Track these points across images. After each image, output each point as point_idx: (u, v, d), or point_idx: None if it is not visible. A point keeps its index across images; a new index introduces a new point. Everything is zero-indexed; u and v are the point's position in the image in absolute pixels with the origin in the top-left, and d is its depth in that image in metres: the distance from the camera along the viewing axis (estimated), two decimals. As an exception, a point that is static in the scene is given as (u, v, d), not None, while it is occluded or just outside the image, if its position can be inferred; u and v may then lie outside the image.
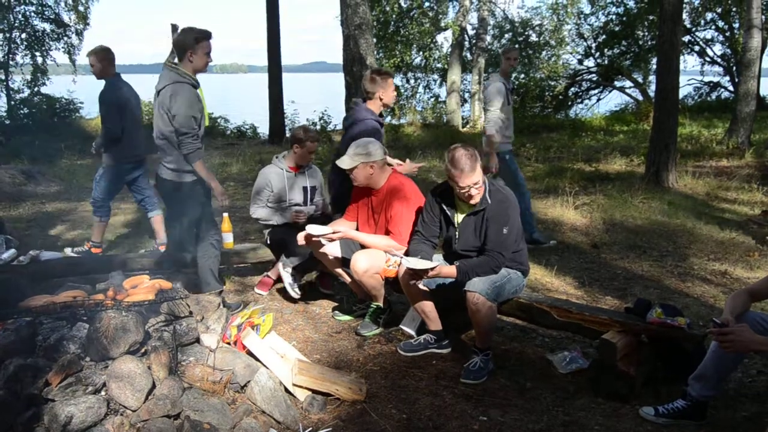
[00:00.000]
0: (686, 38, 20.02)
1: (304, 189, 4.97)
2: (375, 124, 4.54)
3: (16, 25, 17.10)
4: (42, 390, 2.73)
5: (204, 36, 4.06)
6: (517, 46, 20.96)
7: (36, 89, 17.02)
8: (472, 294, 3.46)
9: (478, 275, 3.54)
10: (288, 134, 15.86)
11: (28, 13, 17.37)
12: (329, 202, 5.06)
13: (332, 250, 4.28)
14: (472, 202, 3.59)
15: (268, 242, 4.96)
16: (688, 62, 21.73)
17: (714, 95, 22.29)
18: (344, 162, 4.04)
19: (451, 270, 3.62)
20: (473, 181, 3.48)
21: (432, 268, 3.54)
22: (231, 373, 3.14)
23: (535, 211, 7.63)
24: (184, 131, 4.00)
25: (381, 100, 4.63)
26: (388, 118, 20.51)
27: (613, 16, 21.13)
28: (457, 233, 3.72)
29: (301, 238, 4.19)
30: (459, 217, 3.72)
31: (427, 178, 9.38)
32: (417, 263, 3.58)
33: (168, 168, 4.17)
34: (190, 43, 4.03)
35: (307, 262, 4.73)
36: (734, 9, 19.21)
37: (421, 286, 3.77)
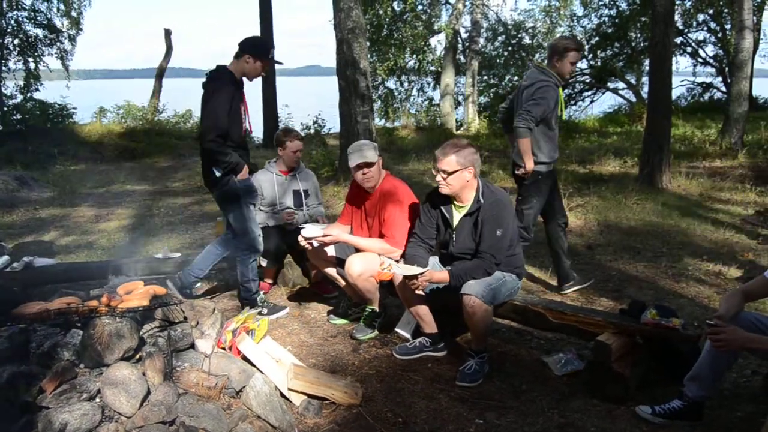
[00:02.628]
0: (678, 39, 20.09)
1: (296, 192, 4.97)
2: None
3: (8, 30, 17.07)
4: (36, 397, 2.72)
5: (575, 48, 4.55)
6: (509, 48, 21.04)
7: (29, 95, 16.99)
8: (469, 297, 3.45)
9: (472, 278, 3.54)
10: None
11: (20, 18, 17.38)
12: None
13: (326, 252, 4.28)
14: (441, 191, 3.64)
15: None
16: (681, 63, 21.82)
17: (707, 96, 22.36)
18: (369, 155, 4.03)
19: (443, 275, 3.62)
20: (442, 167, 3.54)
21: (422, 273, 3.55)
22: (226, 379, 3.13)
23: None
24: (523, 110, 4.48)
25: None
26: (382, 121, 20.54)
27: (606, 18, 21.22)
28: (454, 235, 3.73)
29: (302, 241, 4.19)
30: (456, 219, 3.73)
31: (421, 181, 9.39)
32: (408, 269, 3.59)
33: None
34: (560, 51, 4.54)
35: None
36: (726, 10, 19.31)
37: (418, 292, 3.77)
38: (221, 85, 4.09)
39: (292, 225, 4.84)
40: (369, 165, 4.04)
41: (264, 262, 4.88)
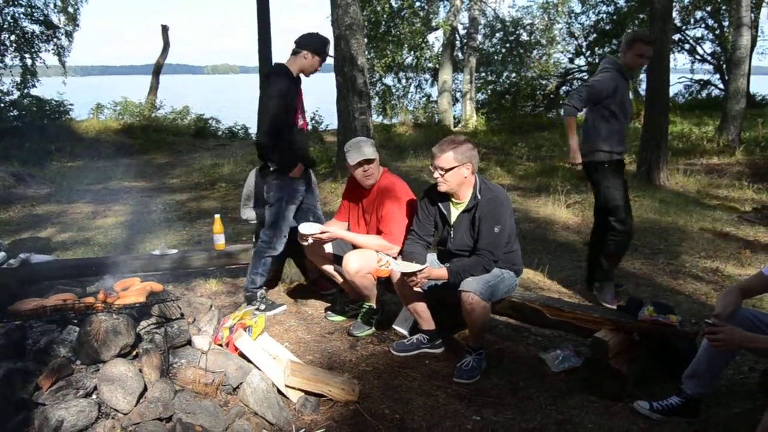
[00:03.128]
0: (676, 36, 20.10)
1: None
2: None
3: (4, 26, 17.00)
4: (32, 394, 2.72)
5: (641, 39, 4.55)
6: (507, 45, 21.03)
7: (25, 91, 16.93)
8: (467, 294, 3.45)
9: (470, 275, 3.53)
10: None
11: (17, 14, 17.28)
12: None
13: (324, 249, 4.27)
14: (439, 189, 3.64)
15: (254, 240, 4.97)
16: (679, 60, 21.95)
17: (704, 93, 22.40)
18: (368, 152, 4.03)
19: (441, 272, 3.62)
20: (439, 164, 3.53)
21: (421, 270, 3.54)
22: (223, 375, 3.12)
23: (527, 209, 7.65)
24: (573, 90, 4.65)
25: None
26: (379, 118, 20.52)
27: (604, 15, 21.21)
28: (452, 232, 3.72)
29: (299, 238, 4.19)
30: (454, 215, 3.72)
31: (419, 178, 9.38)
32: (406, 266, 3.58)
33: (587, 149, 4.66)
34: (628, 41, 4.61)
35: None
36: (723, 7, 19.32)
37: (417, 289, 3.77)
38: (276, 82, 4.27)
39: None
40: (370, 162, 4.03)
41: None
